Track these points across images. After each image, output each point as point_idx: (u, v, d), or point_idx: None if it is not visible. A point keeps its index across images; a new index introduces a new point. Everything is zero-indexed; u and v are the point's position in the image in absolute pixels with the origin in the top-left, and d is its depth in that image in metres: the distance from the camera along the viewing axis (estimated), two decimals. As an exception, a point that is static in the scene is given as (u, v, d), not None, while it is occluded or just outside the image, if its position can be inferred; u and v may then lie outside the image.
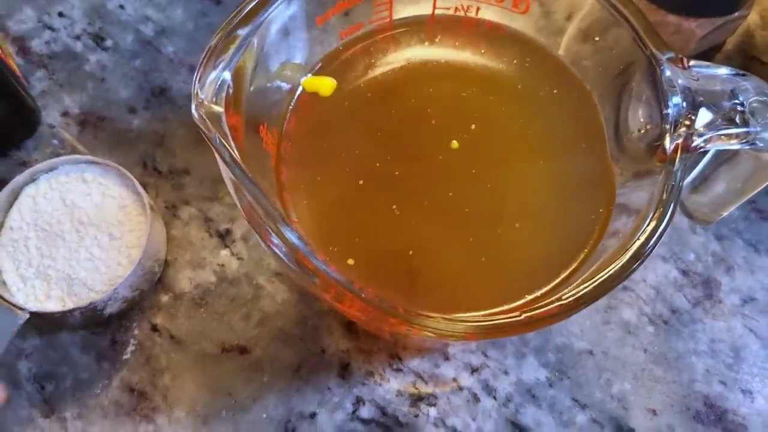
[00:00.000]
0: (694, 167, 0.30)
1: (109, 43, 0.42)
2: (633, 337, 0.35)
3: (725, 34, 0.41)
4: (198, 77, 0.23)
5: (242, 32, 0.24)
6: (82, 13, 0.42)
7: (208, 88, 0.23)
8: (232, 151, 0.23)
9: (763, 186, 0.27)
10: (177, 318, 0.35)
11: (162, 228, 0.36)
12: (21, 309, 0.31)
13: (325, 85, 0.30)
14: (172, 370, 0.34)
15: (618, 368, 0.34)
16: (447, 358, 0.34)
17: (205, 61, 0.23)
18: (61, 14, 0.42)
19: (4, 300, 0.32)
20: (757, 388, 0.34)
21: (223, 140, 0.23)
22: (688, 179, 0.30)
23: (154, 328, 0.35)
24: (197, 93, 0.23)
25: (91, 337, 0.35)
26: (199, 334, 0.35)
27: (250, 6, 0.25)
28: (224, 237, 0.37)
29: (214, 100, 0.23)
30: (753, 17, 0.43)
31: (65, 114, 0.39)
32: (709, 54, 0.41)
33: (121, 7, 0.43)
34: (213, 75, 0.23)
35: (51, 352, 0.34)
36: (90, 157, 0.35)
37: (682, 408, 0.34)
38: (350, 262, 0.27)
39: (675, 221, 0.35)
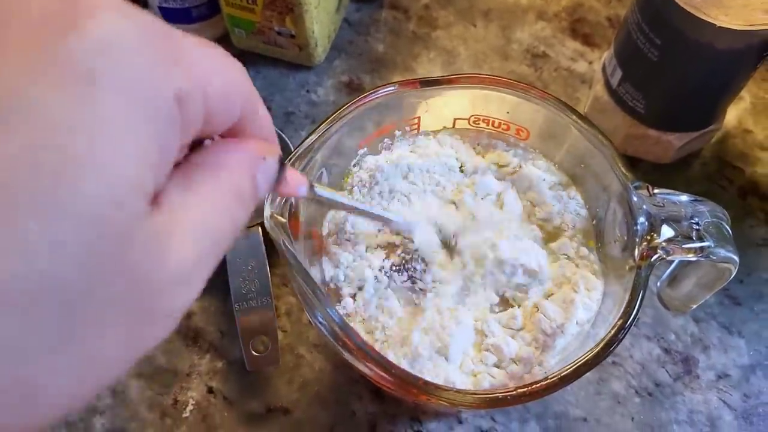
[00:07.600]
0: (667, 269, 0.36)
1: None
2: (622, 406, 0.40)
3: (701, 144, 0.47)
4: (270, 197, 0.30)
5: (298, 166, 0.31)
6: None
7: (277, 205, 0.30)
8: (293, 250, 0.30)
9: (720, 287, 0.33)
10: (229, 382, 0.41)
11: None
12: None
13: None
14: (224, 427, 0.40)
15: (608, 434, 0.40)
16: (460, 422, 0.40)
17: (275, 186, 0.30)
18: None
19: None
20: (730, 454, 0.39)
21: (286, 242, 0.30)
22: (663, 277, 0.36)
23: (210, 390, 0.41)
24: (269, 208, 0.30)
25: (157, 397, 0.41)
26: (248, 396, 0.41)
27: (301, 150, 0.32)
28: (271, 312, 0.43)
29: (280, 212, 0.30)
30: (726, 127, 0.49)
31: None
32: (687, 159, 0.48)
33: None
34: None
35: (122, 410, 0.40)
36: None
37: (664, 471, 0.39)
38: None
39: (657, 306, 0.41)
